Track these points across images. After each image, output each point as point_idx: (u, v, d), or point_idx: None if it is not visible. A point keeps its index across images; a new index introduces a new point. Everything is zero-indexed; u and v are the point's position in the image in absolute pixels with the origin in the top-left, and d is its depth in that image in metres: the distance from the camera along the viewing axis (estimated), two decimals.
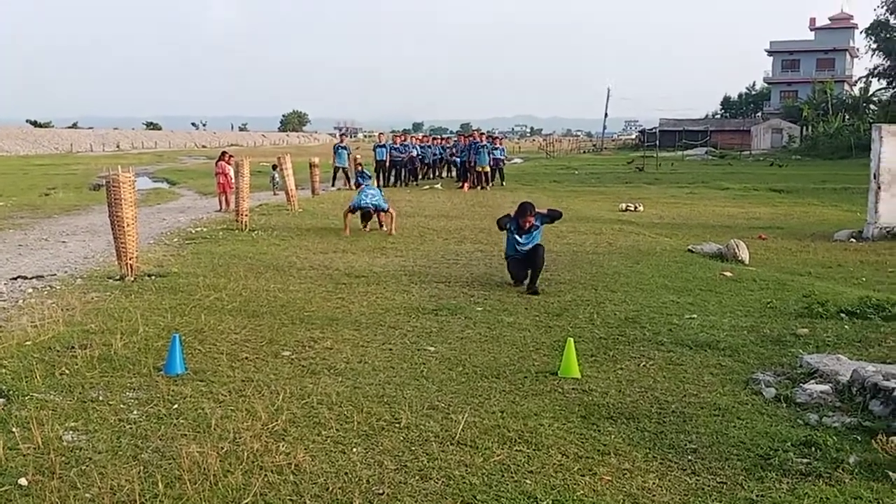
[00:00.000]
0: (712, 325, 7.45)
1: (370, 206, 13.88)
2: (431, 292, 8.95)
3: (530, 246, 9.38)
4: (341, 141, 29.95)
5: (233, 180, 17.26)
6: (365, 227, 14.29)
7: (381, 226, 14.38)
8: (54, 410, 4.98)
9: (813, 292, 8.58)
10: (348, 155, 27.22)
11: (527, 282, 9.14)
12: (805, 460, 4.34)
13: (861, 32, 64.08)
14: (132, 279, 9.32)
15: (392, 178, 27.98)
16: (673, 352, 6.57)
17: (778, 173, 37.67)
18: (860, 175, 24.32)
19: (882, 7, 57.34)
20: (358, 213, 14.18)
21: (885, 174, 14.51)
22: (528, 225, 9.38)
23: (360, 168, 24.18)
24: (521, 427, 4.83)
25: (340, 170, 27.12)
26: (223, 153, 20.62)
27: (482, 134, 31.14)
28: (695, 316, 7.84)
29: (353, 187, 23.85)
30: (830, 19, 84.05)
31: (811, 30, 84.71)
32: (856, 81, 76.57)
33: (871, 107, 65.16)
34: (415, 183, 28.90)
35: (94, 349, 6.25)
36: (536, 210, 9.51)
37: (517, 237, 9.40)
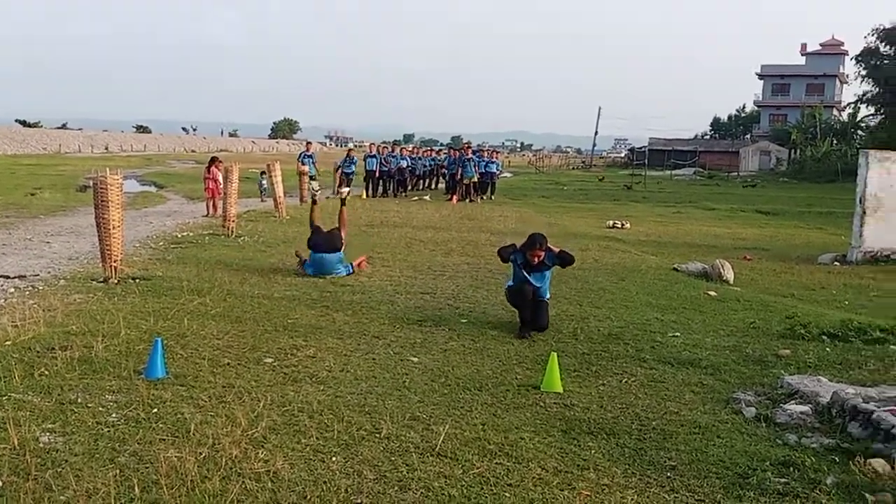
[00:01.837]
0: (695, 344, 7.47)
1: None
2: (416, 303, 8.94)
3: (540, 289, 7.94)
4: (307, 149, 28.21)
5: (221, 186, 17.20)
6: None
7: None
8: (32, 411, 4.94)
9: (796, 314, 8.62)
10: (313, 163, 26.40)
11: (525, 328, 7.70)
12: (783, 480, 4.36)
13: (851, 59, 64.71)
14: (116, 282, 9.27)
15: (381, 189, 28.00)
16: (655, 369, 6.58)
17: (764, 195, 37.91)
18: (846, 199, 24.58)
19: (872, 35, 57.97)
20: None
21: (871, 199, 14.65)
22: (536, 260, 7.84)
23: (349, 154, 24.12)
24: (502, 440, 4.82)
25: (308, 177, 25.99)
26: (213, 158, 20.54)
27: (469, 147, 31.30)
28: (678, 334, 7.86)
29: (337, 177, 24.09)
30: (821, 45, 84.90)
31: (802, 55, 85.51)
32: (844, 107, 77.30)
33: (859, 132, 65.78)
34: (403, 194, 28.92)
35: (74, 351, 6.20)
36: (548, 245, 7.96)
37: (525, 274, 7.90)
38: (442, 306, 8.83)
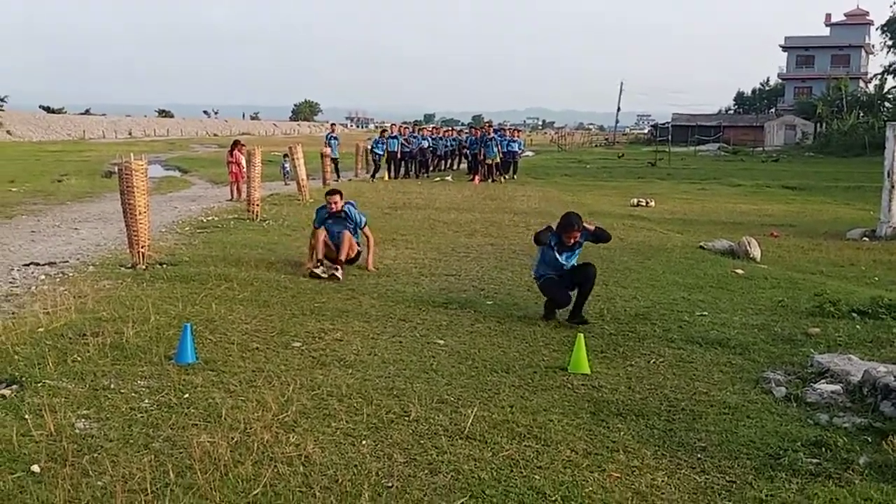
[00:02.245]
0: (723, 323, 7.43)
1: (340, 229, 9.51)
2: (442, 285, 8.95)
3: (573, 263, 7.71)
4: (332, 130, 28.62)
5: (244, 169, 17.28)
6: (321, 266, 9.30)
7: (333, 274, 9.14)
8: (66, 398, 5.01)
9: (825, 291, 8.55)
10: (338, 145, 26.71)
11: (569, 308, 7.48)
12: (815, 460, 4.34)
13: (877, 29, 63.58)
14: (144, 267, 9.36)
15: (402, 170, 27.98)
16: (683, 349, 6.56)
17: (790, 170, 37.49)
18: (874, 173, 24.19)
19: None
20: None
21: None
22: (572, 241, 7.57)
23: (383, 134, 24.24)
24: (531, 422, 4.84)
25: (333, 161, 26.05)
26: (235, 142, 20.61)
27: (490, 126, 31.14)
28: (706, 313, 7.82)
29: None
30: (846, 15, 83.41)
31: (826, 25, 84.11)
32: (871, 78, 76.02)
33: (886, 104, 64.68)
34: (426, 175, 28.89)
35: (105, 337, 6.28)
36: (583, 224, 7.65)
37: (556, 254, 7.58)
38: (467, 288, 8.84)
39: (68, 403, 4.91)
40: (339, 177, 25.86)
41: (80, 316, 6.97)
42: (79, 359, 5.78)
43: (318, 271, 9.07)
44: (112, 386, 5.28)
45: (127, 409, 4.87)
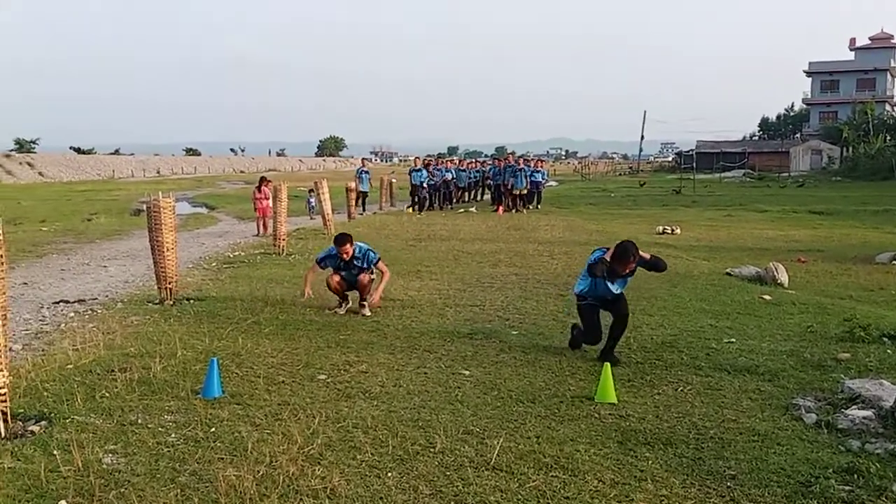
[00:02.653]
0: (751, 350, 7.35)
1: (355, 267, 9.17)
2: (466, 316, 8.94)
3: (622, 291, 7.32)
4: (363, 165, 29.87)
5: (270, 205, 17.47)
6: (341, 305, 9.27)
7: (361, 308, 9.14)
8: (94, 433, 5.05)
9: (854, 316, 8.42)
10: (368, 179, 27.45)
11: (601, 346, 7.21)
12: (847, 488, 4.26)
13: None
14: (171, 303, 9.45)
15: (427, 202, 28.09)
16: (711, 376, 6.49)
17: (817, 195, 37.16)
18: None
19: None
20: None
21: None
22: (627, 271, 7.09)
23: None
24: (557, 453, 4.80)
25: (362, 195, 27.04)
26: (262, 178, 20.90)
27: (520, 157, 31.20)
28: (733, 340, 7.74)
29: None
30: (871, 39, 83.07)
31: (851, 50, 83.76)
32: None
33: None
34: (450, 207, 28.98)
35: (133, 372, 6.34)
36: (639, 253, 7.08)
37: (608, 284, 7.15)
38: (492, 318, 8.82)
39: (96, 439, 4.95)
40: (364, 210, 26.25)
41: (109, 352, 7.05)
42: (107, 394, 5.84)
43: (341, 311, 9.03)
44: (139, 421, 5.32)
45: (154, 444, 4.90)
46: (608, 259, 7.01)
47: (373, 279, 9.32)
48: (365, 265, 9.16)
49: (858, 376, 6.33)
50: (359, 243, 9.32)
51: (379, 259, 9.28)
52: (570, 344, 7.51)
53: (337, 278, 9.12)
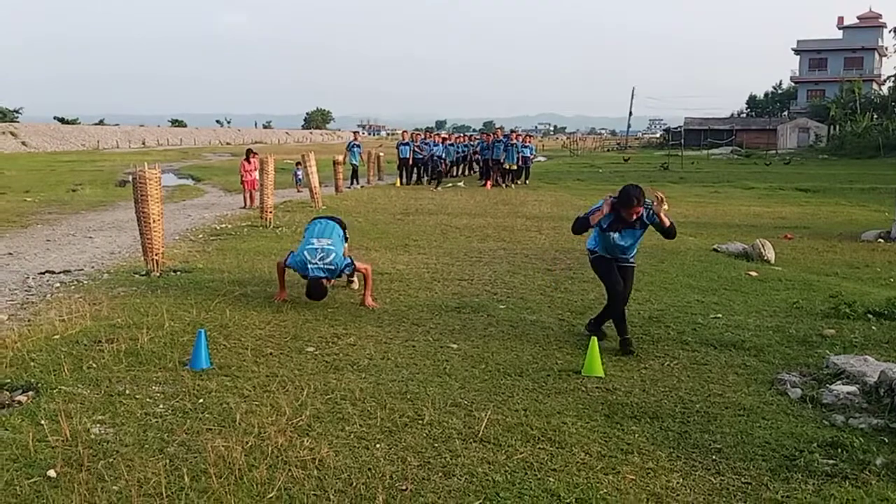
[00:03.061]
0: (737, 325, 7.40)
1: (320, 274, 7.82)
2: (454, 290, 8.95)
3: (629, 254, 6.81)
4: (355, 138, 29.73)
5: (257, 178, 17.38)
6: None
7: (349, 283, 8.93)
8: (82, 403, 5.04)
9: (840, 293, 8.50)
10: (360, 153, 27.41)
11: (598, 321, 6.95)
12: (831, 461, 4.31)
13: (889, 31, 63.29)
14: (158, 274, 9.41)
15: (415, 176, 28.02)
16: (697, 351, 6.53)
17: (804, 173, 37.30)
18: (888, 175, 24.13)
19: None
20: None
21: None
22: (634, 217, 6.46)
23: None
24: (545, 425, 4.82)
25: (353, 168, 27.06)
26: (249, 151, 20.76)
27: (509, 132, 31.09)
28: (720, 315, 7.79)
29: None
30: (859, 18, 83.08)
31: (839, 28, 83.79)
32: (884, 80, 75.63)
33: None
34: (437, 185, 28.93)
35: (120, 343, 6.32)
36: (646, 200, 6.48)
37: (615, 234, 6.60)
38: (479, 292, 8.83)
39: (84, 409, 4.94)
40: (355, 183, 26.25)
41: (95, 323, 7.02)
42: (94, 365, 5.82)
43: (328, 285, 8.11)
44: (127, 391, 5.30)
45: (142, 415, 4.89)
46: (606, 208, 6.47)
47: (352, 281, 8.87)
48: (333, 276, 8.05)
49: (843, 352, 6.39)
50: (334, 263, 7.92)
51: (351, 264, 8.05)
52: (590, 326, 7.00)
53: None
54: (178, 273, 9.58)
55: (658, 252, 11.87)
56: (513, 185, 26.73)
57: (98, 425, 4.71)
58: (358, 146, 27.82)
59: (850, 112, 64.59)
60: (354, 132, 36.62)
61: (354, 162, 27.04)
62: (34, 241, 12.93)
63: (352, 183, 26.41)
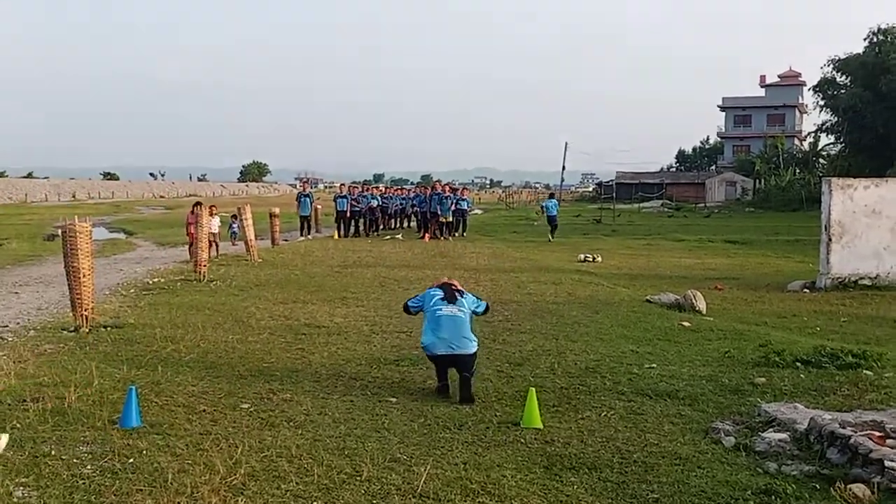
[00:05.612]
0: (672, 375, 7.51)
1: None
2: (393, 342, 8.91)
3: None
4: (304, 189, 29.55)
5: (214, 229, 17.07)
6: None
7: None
8: (5, 465, 4.84)
9: (769, 342, 8.71)
10: (311, 203, 27.26)
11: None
12: None
13: (809, 90, 66.03)
14: (87, 331, 9.15)
15: (352, 229, 28.00)
16: (633, 401, 6.60)
17: (732, 225, 38.39)
18: (811, 227, 24.93)
19: (828, 65, 59.24)
20: None
21: (836, 226, 14.87)
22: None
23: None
24: (484, 479, 4.80)
25: (305, 219, 26.96)
26: (197, 203, 20.41)
27: (445, 185, 31.42)
28: (654, 366, 7.90)
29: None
30: (780, 77, 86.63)
31: (762, 86, 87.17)
32: (805, 136, 78.64)
33: (821, 161, 66.90)
34: (376, 234, 28.94)
35: (46, 402, 6.10)
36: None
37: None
38: (418, 345, 8.78)
39: (7, 472, 4.74)
40: (311, 233, 26.28)
41: (20, 381, 6.77)
42: (18, 425, 5.60)
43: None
44: (53, 452, 5.11)
45: (68, 476, 4.71)
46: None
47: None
48: None
49: (774, 400, 6.53)
50: None
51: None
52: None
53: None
54: (109, 329, 9.33)
55: (593, 303, 12.03)
56: (450, 238, 26.88)
57: (21, 488, 4.52)
58: (308, 196, 27.53)
59: (774, 167, 66.86)
60: (304, 182, 36.51)
61: (304, 213, 26.85)
62: None
63: (306, 232, 26.34)
